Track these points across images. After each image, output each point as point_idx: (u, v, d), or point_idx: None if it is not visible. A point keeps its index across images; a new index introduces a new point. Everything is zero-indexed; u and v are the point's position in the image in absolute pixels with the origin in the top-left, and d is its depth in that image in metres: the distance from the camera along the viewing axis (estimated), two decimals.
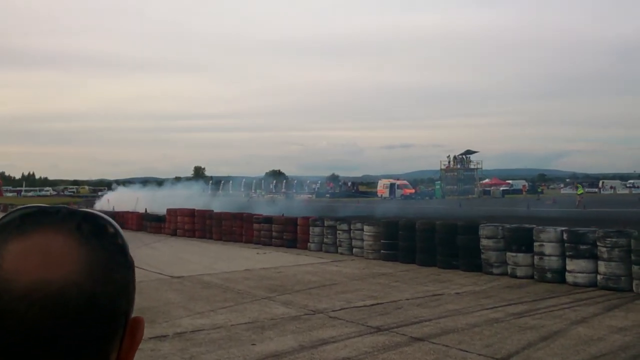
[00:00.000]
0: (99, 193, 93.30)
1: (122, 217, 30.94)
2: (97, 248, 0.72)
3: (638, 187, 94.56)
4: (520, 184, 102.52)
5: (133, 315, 0.77)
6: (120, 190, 59.63)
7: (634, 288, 11.06)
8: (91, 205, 51.33)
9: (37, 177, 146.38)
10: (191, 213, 25.42)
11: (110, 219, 0.78)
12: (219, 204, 35.75)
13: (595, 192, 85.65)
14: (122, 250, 0.76)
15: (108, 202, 40.88)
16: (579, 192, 50.60)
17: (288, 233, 20.12)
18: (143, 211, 31.56)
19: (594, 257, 11.76)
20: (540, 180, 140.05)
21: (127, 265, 0.76)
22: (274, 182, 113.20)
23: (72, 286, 0.68)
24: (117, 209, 36.99)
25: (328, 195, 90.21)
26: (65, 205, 0.78)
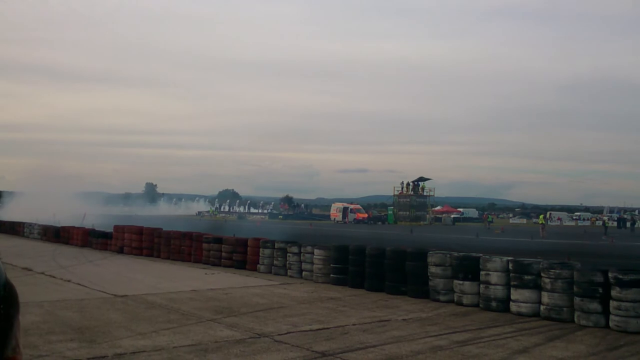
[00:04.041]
0: None
1: (67, 232, 30.14)
2: None
3: (584, 219, 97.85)
4: (470, 212, 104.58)
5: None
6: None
7: (575, 319, 11.26)
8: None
9: None
10: (139, 231, 24.83)
11: None
12: (168, 221, 35.18)
13: None
14: None
15: (54, 216, 39.70)
16: (540, 222, 50.08)
17: (238, 254, 19.85)
18: (90, 227, 30.78)
19: (538, 287, 11.95)
20: (490, 210, 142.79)
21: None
22: (227, 201, 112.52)
23: None
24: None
25: (281, 216, 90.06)
26: None
